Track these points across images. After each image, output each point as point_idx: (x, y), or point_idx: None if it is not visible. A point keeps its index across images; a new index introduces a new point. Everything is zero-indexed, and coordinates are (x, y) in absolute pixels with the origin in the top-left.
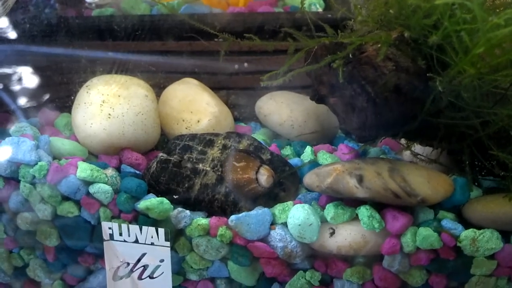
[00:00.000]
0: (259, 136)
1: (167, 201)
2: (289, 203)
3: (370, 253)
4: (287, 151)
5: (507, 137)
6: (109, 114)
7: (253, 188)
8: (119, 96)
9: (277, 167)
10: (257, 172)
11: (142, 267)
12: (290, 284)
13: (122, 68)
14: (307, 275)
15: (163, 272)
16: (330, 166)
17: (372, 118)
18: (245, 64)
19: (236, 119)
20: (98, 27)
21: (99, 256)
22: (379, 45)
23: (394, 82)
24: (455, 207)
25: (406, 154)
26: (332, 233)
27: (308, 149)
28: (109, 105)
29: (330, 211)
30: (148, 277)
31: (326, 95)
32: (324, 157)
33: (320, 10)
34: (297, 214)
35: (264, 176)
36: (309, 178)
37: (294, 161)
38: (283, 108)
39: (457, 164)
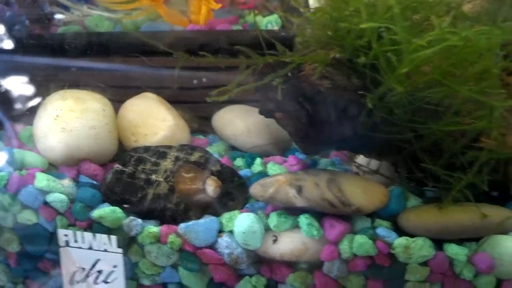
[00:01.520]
0: (215, 148)
1: (120, 210)
2: (236, 212)
3: (311, 259)
4: (239, 162)
5: (440, 150)
6: (63, 128)
7: (201, 198)
8: (73, 110)
9: (226, 178)
10: (204, 183)
11: (97, 272)
12: None
13: (82, 83)
14: (253, 280)
15: (117, 278)
16: (273, 177)
17: (312, 133)
18: (204, 79)
19: (196, 132)
20: (61, 44)
21: (58, 261)
22: (316, 65)
23: (331, 99)
24: (391, 216)
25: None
26: (275, 240)
27: (257, 160)
28: (63, 119)
29: (273, 219)
30: (103, 282)
31: (272, 110)
32: (273, 168)
33: (276, 28)
34: (242, 222)
35: (211, 187)
36: (254, 188)
37: (244, 172)
38: (237, 121)
39: (399, 176)
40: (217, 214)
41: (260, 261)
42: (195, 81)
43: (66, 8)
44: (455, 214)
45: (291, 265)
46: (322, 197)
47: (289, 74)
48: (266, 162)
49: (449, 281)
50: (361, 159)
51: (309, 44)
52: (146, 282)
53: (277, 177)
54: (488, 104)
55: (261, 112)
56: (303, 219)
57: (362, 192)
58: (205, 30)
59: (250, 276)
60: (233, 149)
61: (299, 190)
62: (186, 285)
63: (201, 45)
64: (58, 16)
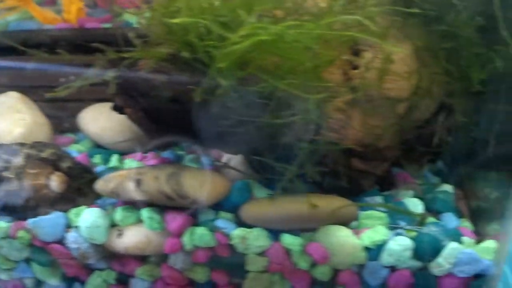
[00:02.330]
0: (79, 146)
1: None
2: (83, 207)
3: (156, 252)
4: (97, 159)
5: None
6: None
7: (46, 193)
8: None
9: (76, 174)
10: (49, 179)
11: None
12: (89, 283)
13: None
14: (104, 275)
15: None
16: (116, 172)
17: (154, 128)
18: (72, 77)
19: (67, 131)
20: None
21: None
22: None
23: (168, 94)
24: (236, 208)
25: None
26: (120, 234)
27: (114, 157)
28: None
29: (119, 214)
30: None
31: (122, 106)
32: (130, 164)
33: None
34: (86, 217)
35: (55, 182)
36: (98, 184)
37: (100, 168)
38: (101, 118)
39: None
40: (65, 209)
41: (110, 256)
42: (62, 79)
43: None
44: (286, 205)
45: (140, 258)
46: (159, 190)
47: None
48: (126, 158)
49: (288, 271)
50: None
51: (149, 40)
52: (3, 276)
53: (120, 172)
54: (305, 97)
55: (113, 109)
56: (145, 213)
57: (201, 185)
58: (69, 28)
59: (101, 270)
60: (99, 147)
61: (138, 183)
62: (41, 279)
63: (60, 43)
64: None
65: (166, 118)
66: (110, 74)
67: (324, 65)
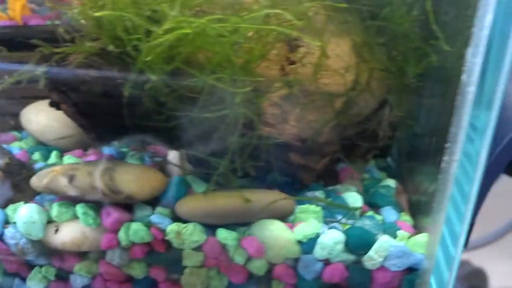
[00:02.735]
0: (21, 143)
1: None
2: (21, 203)
3: (93, 248)
4: (36, 156)
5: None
6: None
7: None
8: None
9: (14, 171)
10: None
11: None
12: (29, 279)
13: None
14: (43, 270)
15: None
16: (50, 168)
17: (87, 123)
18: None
19: (13, 128)
20: None
21: None
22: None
23: (98, 88)
24: (173, 203)
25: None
26: (57, 230)
27: (53, 153)
28: None
29: (54, 209)
30: None
31: (58, 102)
32: (69, 161)
33: None
34: (23, 213)
35: None
36: (32, 180)
37: (39, 165)
38: (41, 115)
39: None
40: (4, 206)
41: (50, 252)
42: (6, 77)
43: None
44: (220, 199)
45: (79, 254)
46: (92, 186)
47: (53, 64)
48: (66, 155)
49: (224, 266)
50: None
51: (82, 35)
52: None
53: (54, 167)
54: (233, 92)
55: (50, 105)
56: (79, 209)
57: (134, 180)
58: (11, 26)
59: (41, 266)
60: (41, 144)
61: (71, 179)
62: None
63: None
64: None
65: (99, 113)
66: (40, 69)
67: (255, 60)
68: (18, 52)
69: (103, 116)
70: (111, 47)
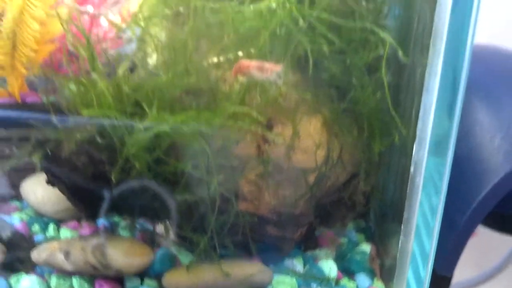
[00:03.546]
0: (22, 214)
1: None
2: (23, 274)
3: None
4: (36, 228)
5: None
6: None
7: None
8: None
9: (15, 244)
10: None
11: None
12: None
13: None
14: None
15: None
16: (49, 243)
17: (79, 202)
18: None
19: (14, 198)
20: None
21: None
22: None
23: (90, 172)
24: (160, 275)
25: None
26: None
27: (51, 226)
28: None
29: (53, 281)
30: None
31: (52, 182)
32: (65, 233)
33: None
34: (25, 284)
35: None
36: (33, 254)
37: (39, 237)
38: (39, 189)
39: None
40: (7, 276)
41: None
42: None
43: None
44: (202, 273)
45: None
46: (85, 261)
47: (48, 151)
48: (63, 227)
49: None
50: None
51: None
52: None
53: (52, 242)
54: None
55: (46, 182)
56: (75, 281)
57: (123, 255)
58: (9, 103)
59: None
60: (40, 215)
61: (67, 255)
62: None
63: None
64: None
65: (89, 194)
66: (36, 155)
67: (230, 145)
68: (16, 130)
69: (93, 196)
70: (98, 139)
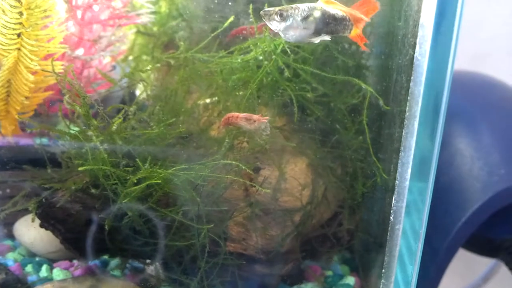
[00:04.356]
0: (16, 254)
1: None
2: None
3: None
4: (29, 268)
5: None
6: None
7: None
8: None
9: (10, 285)
10: None
11: None
12: None
13: None
14: None
15: None
16: (44, 285)
17: (72, 245)
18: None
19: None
20: None
21: None
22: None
23: (84, 219)
24: None
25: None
26: None
27: (44, 267)
28: None
29: None
30: None
31: (45, 226)
32: (57, 273)
33: None
34: None
35: None
36: None
37: (32, 278)
38: (32, 230)
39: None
40: None
41: None
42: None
43: None
44: None
45: None
46: None
47: (43, 200)
48: (56, 267)
49: None
50: None
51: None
52: None
53: (46, 284)
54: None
55: (40, 226)
56: None
57: None
58: (3, 146)
59: None
60: (33, 255)
61: None
62: None
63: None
64: None
65: (83, 239)
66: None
67: (220, 192)
68: (9, 172)
69: (86, 241)
70: (93, 190)
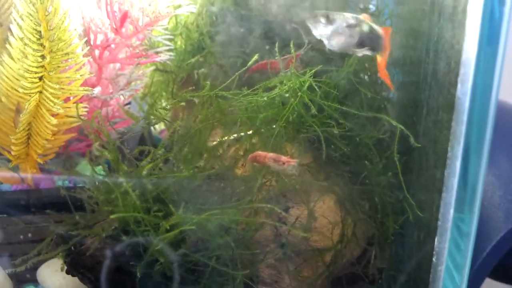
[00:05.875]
0: None
1: None
2: None
3: None
4: None
5: None
6: None
7: None
8: None
9: None
10: None
11: None
12: None
13: None
14: None
15: None
16: None
17: None
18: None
19: (30, 282)
20: None
21: None
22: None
23: (114, 266)
24: None
25: None
26: None
27: None
28: None
29: None
30: None
31: (72, 273)
32: None
33: None
34: None
35: None
36: None
37: None
38: (56, 275)
39: None
40: None
41: None
42: (21, 237)
43: None
44: None
45: None
46: None
47: (72, 248)
48: None
49: None
50: None
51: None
52: None
53: None
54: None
55: (67, 272)
56: None
57: None
58: (23, 190)
59: None
60: None
61: None
62: None
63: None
64: None
65: (112, 285)
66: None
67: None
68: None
69: (115, 286)
70: (124, 238)
